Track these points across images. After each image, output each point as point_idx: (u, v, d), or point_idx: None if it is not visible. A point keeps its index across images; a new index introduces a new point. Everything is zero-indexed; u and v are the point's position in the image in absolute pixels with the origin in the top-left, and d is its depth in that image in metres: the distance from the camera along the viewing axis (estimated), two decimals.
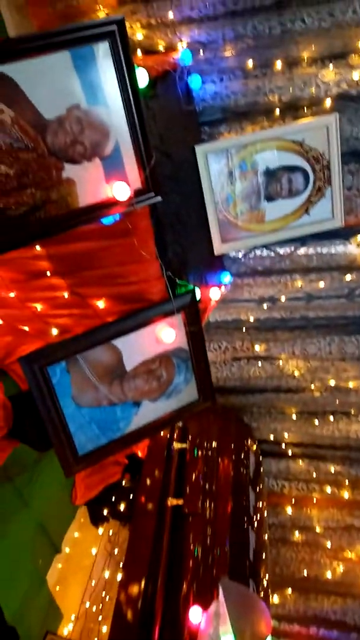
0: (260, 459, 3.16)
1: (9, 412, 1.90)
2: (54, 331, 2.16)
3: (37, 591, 2.46)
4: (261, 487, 3.08)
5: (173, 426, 2.95)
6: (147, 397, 2.16)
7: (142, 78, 1.79)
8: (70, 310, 2.12)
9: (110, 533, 2.96)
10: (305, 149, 2.38)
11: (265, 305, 2.83)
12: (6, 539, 2.32)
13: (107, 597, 2.78)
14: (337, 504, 3.29)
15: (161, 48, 2.27)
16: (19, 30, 2.32)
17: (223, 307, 2.89)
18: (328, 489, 3.20)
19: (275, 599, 3.38)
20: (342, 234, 2.59)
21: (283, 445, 3.22)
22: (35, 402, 1.88)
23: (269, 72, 2.29)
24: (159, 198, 1.83)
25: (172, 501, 2.56)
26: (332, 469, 3.16)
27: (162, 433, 2.93)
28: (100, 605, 2.76)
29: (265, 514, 3.14)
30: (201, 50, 2.26)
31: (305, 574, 3.40)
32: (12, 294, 2.15)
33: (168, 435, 2.93)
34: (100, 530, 2.89)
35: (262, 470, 3.16)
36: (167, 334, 2.04)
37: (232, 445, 3.02)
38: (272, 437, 3.20)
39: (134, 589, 2.33)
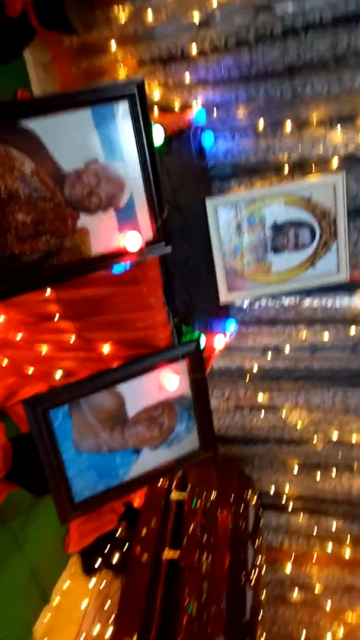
0: (260, 512, 3.12)
1: (9, 454, 1.91)
2: (58, 374, 2.19)
3: None
4: (260, 541, 3.03)
5: (172, 474, 2.93)
6: (148, 445, 2.17)
7: (159, 135, 1.89)
8: (75, 353, 2.16)
9: (103, 584, 2.89)
10: (313, 205, 2.47)
11: (269, 355, 2.86)
12: None
13: None
14: (338, 562, 3.21)
15: (177, 107, 2.40)
16: (43, 86, 2.47)
17: (227, 354, 2.93)
18: (329, 546, 3.14)
19: None
20: (347, 288, 2.65)
21: (284, 499, 3.17)
22: (35, 446, 1.89)
23: (279, 132, 2.41)
24: (169, 249, 1.89)
25: (168, 554, 2.52)
26: (334, 525, 3.11)
27: (160, 481, 2.91)
28: None
29: (264, 570, 3.07)
30: (215, 110, 2.38)
31: (303, 636, 3.28)
32: (19, 336, 2.20)
33: (167, 484, 2.91)
34: (93, 580, 2.82)
35: (261, 523, 3.11)
36: (170, 380, 2.07)
37: (232, 496, 2.98)
38: (273, 490, 3.16)
39: None
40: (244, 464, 3.16)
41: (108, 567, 2.72)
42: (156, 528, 2.79)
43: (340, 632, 3.21)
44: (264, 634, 2.90)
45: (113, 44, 2.35)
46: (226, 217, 2.45)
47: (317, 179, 2.42)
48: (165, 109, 2.40)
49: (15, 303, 2.10)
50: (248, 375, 2.95)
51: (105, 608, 2.85)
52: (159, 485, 2.88)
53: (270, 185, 2.51)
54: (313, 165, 2.47)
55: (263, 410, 2.95)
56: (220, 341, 2.48)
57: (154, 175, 1.83)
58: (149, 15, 2.27)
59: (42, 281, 1.75)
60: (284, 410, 2.95)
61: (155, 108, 2.37)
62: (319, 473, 3.07)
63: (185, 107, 2.37)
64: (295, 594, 3.29)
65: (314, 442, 3.00)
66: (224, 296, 2.53)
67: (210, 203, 2.42)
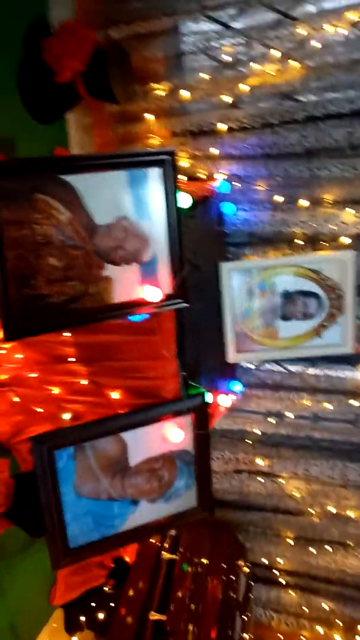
0: (251, 584, 3.06)
1: (11, 492, 1.95)
2: (66, 416, 2.26)
3: None
4: (249, 615, 2.95)
5: (165, 534, 2.91)
6: (146, 497, 2.20)
7: (185, 201, 2.08)
8: (85, 397, 2.24)
9: None
10: (322, 278, 2.62)
11: (271, 420, 2.92)
12: None
13: None
14: None
15: (202, 176, 2.62)
16: (82, 146, 2.71)
17: (229, 416, 2.99)
18: (319, 629, 3.04)
19: None
20: (351, 360, 2.76)
21: (276, 572, 3.12)
22: (36, 485, 1.94)
23: (294, 207, 2.60)
24: (186, 304, 2.03)
25: (154, 615, 2.48)
26: (326, 606, 3.03)
27: (152, 540, 2.89)
28: None
29: None
30: (237, 182, 2.60)
31: None
32: (33, 375, 2.29)
33: (159, 544, 2.89)
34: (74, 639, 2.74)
35: (251, 596, 3.04)
36: (174, 433, 2.13)
37: (224, 565, 2.95)
38: (265, 561, 3.12)
39: None
40: (237, 531, 3.13)
41: (90, 627, 2.65)
42: (144, 590, 2.75)
43: None
44: None
45: (149, 115, 2.60)
46: (239, 282, 2.60)
47: (327, 254, 2.58)
48: (191, 177, 2.61)
49: (34, 343, 2.21)
50: (249, 439, 3.00)
51: None
52: (151, 542, 2.85)
53: (282, 256, 2.68)
54: (324, 241, 2.65)
55: (261, 476, 2.97)
56: (225, 401, 2.56)
57: (177, 236, 2.00)
58: (184, 93, 2.54)
59: (65, 323, 1.87)
60: (283, 479, 2.97)
61: (183, 176, 2.58)
62: (312, 548, 3.04)
63: (210, 177, 2.59)
64: None
65: (310, 514, 2.99)
66: (231, 356, 2.63)
67: (224, 267, 2.58)
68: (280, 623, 3.10)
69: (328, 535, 3.01)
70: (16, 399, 2.32)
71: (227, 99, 2.51)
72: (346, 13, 2.27)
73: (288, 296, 2.66)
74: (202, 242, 2.35)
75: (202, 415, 2.19)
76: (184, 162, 2.58)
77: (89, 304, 1.89)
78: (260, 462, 2.93)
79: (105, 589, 2.72)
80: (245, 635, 2.85)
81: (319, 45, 2.36)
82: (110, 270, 1.92)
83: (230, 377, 2.77)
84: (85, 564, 2.73)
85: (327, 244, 2.64)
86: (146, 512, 2.20)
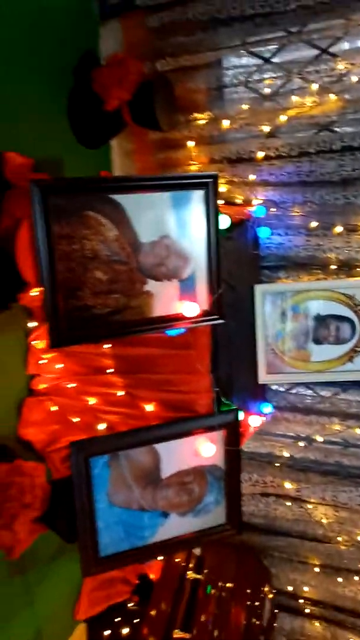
0: (275, 612, 3.06)
1: (47, 496, 2.05)
2: (101, 426, 2.37)
3: None
4: None
5: (190, 554, 2.96)
6: (176, 510, 2.27)
7: (224, 223, 2.21)
8: (120, 408, 2.35)
9: None
10: (355, 303, 2.71)
11: (300, 444, 2.97)
12: None
13: None
14: None
15: (239, 201, 2.76)
16: (123, 171, 2.90)
17: (258, 438, 3.05)
18: None
19: None
20: None
21: (301, 601, 3.12)
22: (71, 491, 2.04)
23: (329, 233, 2.70)
24: (222, 321, 2.15)
25: (178, 634, 2.51)
26: None
27: (177, 559, 2.94)
28: None
29: None
30: (273, 208, 2.73)
31: None
32: (71, 385, 2.42)
33: (183, 564, 2.93)
34: None
35: (275, 625, 3.04)
36: (206, 448, 2.21)
37: (248, 591, 2.97)
38: (290, 589, 3.12)
39: None
40: (263, 555, 3.16)
41: None
42: (167, 611, 2.79)
43: None
44: None
45: (190, 143, 2.77)
46: (272, 304, 2.71)
47: None
48: (228, 202, 2.76)
49: (73, 354, 2.35)
50: (277, 462, 3.04)
51: None
52: (175, 562, 2.90)
53: (316, 280, 2.79)
54: (358, 267, 2.74)
55: (289, 501, 2.99)
56: (255, 421, 2.64)
57: (216, 256, 2.13)
58: (224, 123, 2.70)
59: (107, 333, 2.00)
60: (310, 504, 3.00)
61: (220, 200, 2.73)
62: (339, 578, 3.04)
63: (247, 202, 2.73)
64: None
65: (338, 542, 3.00)
66: (262, 376, 2.72)
67: (259, 289, 2.70)
68: None
69: (355, 565, 3.01)
70: (54, 408, 2.44)
71: (266, 128, 2.67)
72: None
73: (321, 320, 2.75)
74: (237, 264, 2.48)
75: (234, 431, 2.27)
76: (221, 187, 2.72)
77: (130, 317, 2.02)
78: (288, 486, 2.96)
79: (129, 605, 2.77)
80: None
81: (355, 79, 2.50)
82: (151, 285, 2.06)
83: (260, 398, 2.85)
84: (110, 580, 2.80)
85: None
86: (175, 526, 2.27)
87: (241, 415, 2.34)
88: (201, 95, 2.78)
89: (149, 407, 2.29)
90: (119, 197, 1.95)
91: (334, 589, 3.03)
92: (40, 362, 2.41)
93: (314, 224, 2.70)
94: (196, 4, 2.51)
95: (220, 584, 2.95)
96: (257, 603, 2.95)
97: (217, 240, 2.12)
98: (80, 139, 2.74)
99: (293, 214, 2.73)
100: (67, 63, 2.64)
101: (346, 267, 2.77)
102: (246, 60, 2.76)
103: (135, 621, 2.68)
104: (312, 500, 2.98)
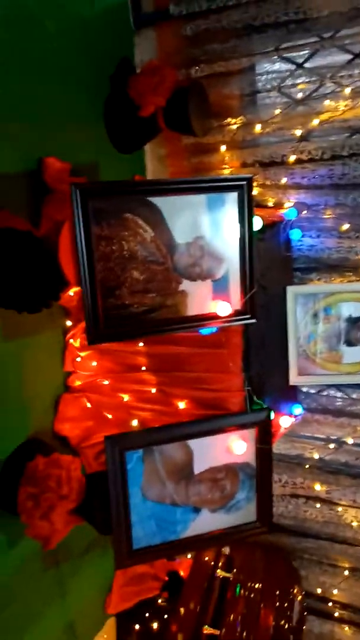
0: (305, 613, 3.09)
1: (83, 488, 2.14)
2: (134, 422, 2.46)
3: None
4: None
5: (219, 553, 3.02)
6: (208, 506, 2.34)
7: (257, 224, 2.29)
8: (153, 405, 2.44)
9: None
10: None
11: (331, 446, 3.01)
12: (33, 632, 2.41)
13: None
14: None
15: (271, 203, 2.83)
16: (156, 175, 3.00)
17: (288, 440, 3.10)
18: None
19: None
20: None
21: (330, 604, 3.14)
22: (107, 484, 2.13)
23: None
24: (254, 320, 2.22)
25: (208, 629, 2.58)
26: None
27: (206, 558, 3.00)
28: None
29: None
30: (305, 210, 2.79)
31: None
32: (105, 382, 2.52)
33: (212, 563, 2.99)
34: None
35: (304, 628, 3.07)
36: (238, 445, 2.28)
37: (277, 592, 3.00)
38: (319, 592, 3.15)
39: None
40: (292, 557, 3.19)
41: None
42: (196, 609, 2.85)
43: None
44: None
45: (222, 147, 2.86)
46: (304, 305, 2.77)
47: None
48: (260, 205, 2.83)
49: (108, 352, 2.45)
50: (307, 464, 3.08)
51: None
52: (204, 561, 2.96)
53: (348, 282, 2.83)
54: None
55: (319, 503, 3.03)
56: (286, 421, 2.69)
57: (249, 256, 2.21)
58: (257, 127, 2.78)
59: (143, 331, 2.10)
60: (340, 507, 3.03)
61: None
62: None
63: (279, 204, 2.80)
64: None
65: None
66: (293, 378, 2.77)
67: (290, 290, 2.75)
68: None
69: None
70: (88, 405, 2.55)
71: (298, 132, 2.73)
72: None
73: (353, 322, 2.79)
74: (269, 265, 2.54)
75: (265, 430, 2.34)
76: (254, 190, 2.79)
77: (165, 315, 2.11)
78: (318, 487, 3.00)
79: (159, 601, 2.84)
80: None
81: None
82: (186, 285, 2.15)
83: (291, 400, 2.90)
84: (140, 576, 2.88)
85: None
86: (207, 521, 2.34)
87: (272, 415, 2.40)
88: (234, 100, 2.86)
89: (182, 405, 2.37)
90: (155, 200, 2.04)
91: None
92: (77, 359, 2.52)
93: (345, 226, 2.75)
94: (231, 12, 2.60)
95: (249, 584, 2.99)
96: (286, 605, 2.98)
97: (250, 241, 2.20)
98: (116, 144, 2.85)
99: (325, 216, 2.79)
100: (104, 71, 2.75)
101: None
102: (279, 65, 2.83)
103: (164, 617, 2.74)
104: (342, 503, 3.01)
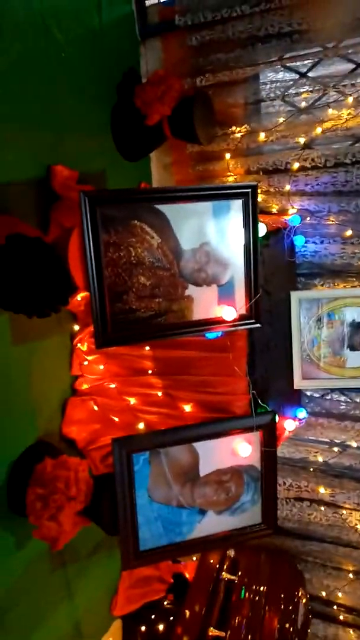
0: (310, 616, 3.11)
1: (90, 490, 2.19)
2: (140, 426, 2.51)
3: None
4: None
5: (224, 555, 3.05)
6: (213, 508, 2.38)
7: (262, 230, 2.33)
8: (159, 408, 2.48)
9: None
10: None
11: (335, 450, 3.04)
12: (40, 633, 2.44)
13: None
14: None
15: (274, 210, 2.88)
16: (162, 183, 3.05)
17: (292, 444, 3.13)
18: None
19: None
20: None
21: (334, 608, 3.17)
22: (114, 486, 2.17)
23: None
24: (258, 325, 2.26)
25: (213, 631, 2.61)
26: None
27: (211, 560, 3.03)
28: None
29: None
30: (308, 217, 2.84)
31: None
32: (112, 386, 2.57)
33: (217, 565, 3.02)
34: None
35: (309, 631, 3.09)
36: (243, 448, 2.32)
37: (282, 595, 3.03)
38: (323, 595, 3.17)
39: None
40: (296, 560, 3.22)
41: None
42: (201, 611, 2.87)
43: None
44: None
45: (227, 155, 2.91)
46: (308, 310, 2.81)
47: None
48: (264, 211, 2.88)
49: (115, 355, 2.50)
50: (311, 467, 3.12)
51: None
52: (209, 564, 2.99)
53: (351, 287, 2.87)
54: None
55: (323, 506, 3.06)
56: (290, 425, 2.73)
57: (254, 262, 2.25)
58: (261, 135, 2.84)
59: (150, 335, 2.14)
60: (345, 510, 3.05)
61: None
62: None
63: (282, 211, 2.85)
64: None
65: None
66: (297, 381, 2.81)
67: (294, 295, 2.80)
68: None
69: None
70: (95, 408, 2.59)
71: (302, 140, 2.79)
72: None
73: (356, 326, 2.83)
74: (273, 271, 2.59)
75: (270, 433, 2.38)
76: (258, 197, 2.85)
77: (171, 320, 2.16)
78: (322, 491, 3.03)
79: (165, 603, 2.87)
80: None
81: None
82: (191, 290, 2.19)
83: (295, 403, 2.94)
84: (146, 578, 2.92)
85: None
86: (213, 523, 2.38)
87: (276, 419, 2.44)
88: (239, 109, 2.92)
89: (187, 408, 2.42)
90: (162, 207, 2.09)
91: None
92: (84, 363, 2.57)
93: (349, 233, 2.79)
94: (235, 22, 2.66)
95: (254, 587, 3.02)
96: (290, 608, 3.00)
97: (255, 247, 2.24)
98: (123, 152, 2.90)
99: (328, 222, 2.83)
100: (111, 80, 2.81)
101: None
102: (283, 74, 2.90)
103: (170, 619, 2.78)
104: (347, 506, 3.03)
